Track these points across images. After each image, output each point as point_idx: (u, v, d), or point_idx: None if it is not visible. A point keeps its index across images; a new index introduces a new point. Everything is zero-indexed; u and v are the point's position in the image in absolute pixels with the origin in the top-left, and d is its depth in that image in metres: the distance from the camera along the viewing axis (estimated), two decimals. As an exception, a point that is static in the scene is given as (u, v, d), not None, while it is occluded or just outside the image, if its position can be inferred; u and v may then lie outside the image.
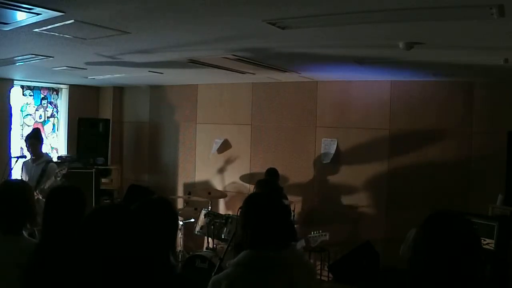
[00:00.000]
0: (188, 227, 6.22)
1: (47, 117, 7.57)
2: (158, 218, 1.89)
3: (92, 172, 6.60)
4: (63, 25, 3.02)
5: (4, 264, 2.20)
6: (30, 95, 7.28)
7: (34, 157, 5.20)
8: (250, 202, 2.10)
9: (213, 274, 2.87)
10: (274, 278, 1.89)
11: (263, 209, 2.03)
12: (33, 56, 4.45)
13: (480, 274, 1.52)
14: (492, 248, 3.81)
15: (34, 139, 5.25)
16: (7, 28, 3.15)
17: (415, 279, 1.56)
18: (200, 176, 7.15)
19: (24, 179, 5.08)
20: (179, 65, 4.88)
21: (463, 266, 1.49)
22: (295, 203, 5.77)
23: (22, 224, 2.39)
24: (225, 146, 6.85)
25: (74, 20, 2.91)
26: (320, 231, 4.63)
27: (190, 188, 6.93)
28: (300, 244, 4.48)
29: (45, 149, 6.92)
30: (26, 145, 5.34)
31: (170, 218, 2.01)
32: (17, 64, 4.97)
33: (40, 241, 2.22)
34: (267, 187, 4.67)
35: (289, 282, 1.91)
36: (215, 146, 6.87)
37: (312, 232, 4.67)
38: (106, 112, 7.93)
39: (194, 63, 4.62)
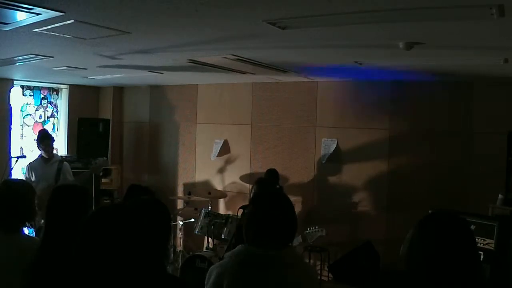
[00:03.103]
0: (188, 227, 6.22)
1: (47, 117, 7.56)
2: (151, 219, 1.90)
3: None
4: (63, 25, 3.02)
5: (5, 263, 2.21)
6: (30, 95, 7.28)
7: (47, 157, 5.20)
8: (260, 199, 2.11)
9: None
10: (265, 276, 1.88)
11: (272, 206, 2.02)
12: (33, 56, 4.45)
13: (478, 274, 1.52)
14: (492, 248, 3.80)
15: (48, 139, 5.26)
16: (7, 28, 3.15)
17: (412, 279, 1.56)
18: (200, 176, 7.15)
19: (32, 179, 5.05)
20: (179, 66, 4.88)
21: (459, 266, 1.48)
22: (295, 203, 5.75)
23: (22, 223, 2.39)
24: (225, 149, 6.84)
25: (74, 20, 2.91)
26: (317, 227, 4.53)
27: (190, 188, 6.92)
28: (297, 240, 4.41)
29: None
30: (40, 147, 5.19)
31: (163, 219, 2.03)
32: (17, 64, 4.96)
33: (43, 240, 2.22)
34: (266, 187, 4.67)
35: (280, 282, 1.90)
36: (215, 148, 6.87)
37: (309, 228, 4.57)
38: (106, 112, 7.92)
39: (194, 63, 4.62)
